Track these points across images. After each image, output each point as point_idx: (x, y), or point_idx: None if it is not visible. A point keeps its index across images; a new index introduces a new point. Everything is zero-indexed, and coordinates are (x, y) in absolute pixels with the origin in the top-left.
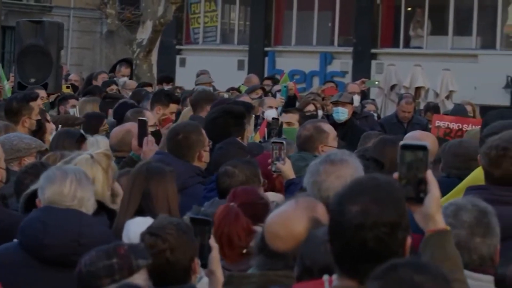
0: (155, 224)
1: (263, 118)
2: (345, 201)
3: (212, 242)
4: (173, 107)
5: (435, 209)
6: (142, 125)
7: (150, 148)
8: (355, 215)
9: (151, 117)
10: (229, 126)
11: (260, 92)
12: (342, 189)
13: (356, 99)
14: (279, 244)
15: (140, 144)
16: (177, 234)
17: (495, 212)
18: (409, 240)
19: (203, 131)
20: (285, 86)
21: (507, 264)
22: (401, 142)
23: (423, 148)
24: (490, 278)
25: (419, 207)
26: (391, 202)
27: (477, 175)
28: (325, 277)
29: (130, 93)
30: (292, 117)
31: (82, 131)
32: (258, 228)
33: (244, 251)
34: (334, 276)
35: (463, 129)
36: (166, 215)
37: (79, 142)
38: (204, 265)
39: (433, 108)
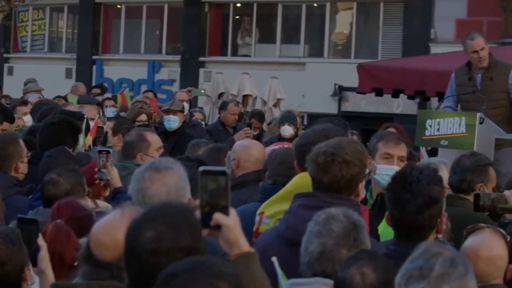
0: None
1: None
2: (140, 226)
3: (41, 241)
4: None
5: (237, 233)
6: None
7: None
8: (149, 240)
9: None
10: (65, 137)
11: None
12: (139, 215)
13: (185, 107)
14: (104, 253)
15: None
16: (5, 247)
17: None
18: None
19: (22, 142)
20: None
21: (348, 266)
22: (201, 168)
23: (223, 173)
24: None
25: (221, 233)
26: (187, 227)
27: (299, 182)
28: None
29: None
30: (107, 125)
31: None
32: (83, 241)
33: (76, 263)
34: None
35: None
36: None
37: None
38: (34, 263)
39: (258, 115)
